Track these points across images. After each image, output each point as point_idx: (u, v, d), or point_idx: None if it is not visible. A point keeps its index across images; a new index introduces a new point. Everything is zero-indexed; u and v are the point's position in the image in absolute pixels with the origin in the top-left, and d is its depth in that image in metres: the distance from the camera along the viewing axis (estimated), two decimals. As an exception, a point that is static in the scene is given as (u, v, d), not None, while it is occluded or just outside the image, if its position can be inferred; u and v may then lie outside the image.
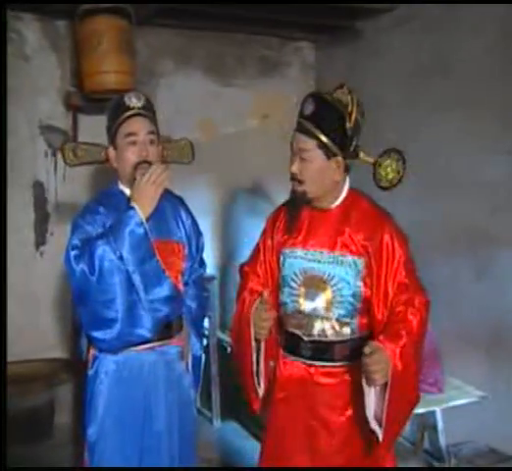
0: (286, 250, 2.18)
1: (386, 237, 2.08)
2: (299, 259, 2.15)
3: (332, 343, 2.10)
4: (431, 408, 3.09)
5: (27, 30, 3.88)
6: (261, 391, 2.22)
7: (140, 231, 2.17)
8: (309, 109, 2.03)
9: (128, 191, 2.32)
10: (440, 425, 3.17)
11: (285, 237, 2.20)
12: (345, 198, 2.16)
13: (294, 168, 2.07)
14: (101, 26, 3.59)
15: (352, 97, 2.02)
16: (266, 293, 2.10)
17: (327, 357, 2.11)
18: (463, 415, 3.14)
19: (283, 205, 2.30)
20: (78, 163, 2.45)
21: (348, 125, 2.02)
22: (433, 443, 3.26)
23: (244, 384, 2.26)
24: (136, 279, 2.19)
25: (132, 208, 2.18)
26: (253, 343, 2.15)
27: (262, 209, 4.22)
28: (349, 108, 2.02)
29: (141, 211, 2.18)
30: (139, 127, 2.26)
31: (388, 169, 2.10)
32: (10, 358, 3.54)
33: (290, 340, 2.19)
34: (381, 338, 1.97)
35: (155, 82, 4.18)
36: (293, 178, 2.10)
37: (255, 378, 2.20)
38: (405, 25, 3.68)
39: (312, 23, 4.11)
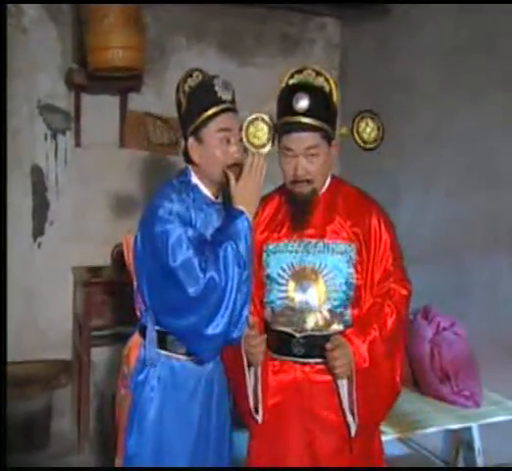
0: (270, 246, 2.20)
1: (374, 222, 2.16)
2: (286, 253, 2.17)
3: (326, 337, 2.09)
4: (466, 424, 2.95)
5: (26, 0, 3.79)
6: (260, 418, 2.18)
7: (251, 236, 2.13)
8: (304, 103, 2.05)
9: (204, 189, 2.23)
10: (477, 443, 3.02)
11: (266, 234, 2.22)
12: (330, 185, 2.23)
13: (301, 170, 2.09)
14: (107, -2, 3.51)
15: (326, 77, 2.11)
16: (251, 318, 2.13)
17: (321, 353, 2.09)
18: (503, 433, 3.01)
19: (260, 203, 2.28)
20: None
21: (334, 105, 2.13)
22: (468, 462, 3.12)
23: (240, 408, 2.26)
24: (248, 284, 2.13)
25: (242, 213, 2.12)
26: (247, 372, 2.15)
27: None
28: (327, 88, 2.11)
29: (248, 213, 2.13)
30: (232, 123, 2.17)
31: (368, 130, 2.20)
32: (3, 359, 3.46)
33: (279, 339, 2.17)
34: (347, 332, 2.09)
35: (165, 60, 4.10)
36: (299, 180, 2.11)
37: (253, 411, 2.17)
38: (442, -3, 3.55)
39: (338, -4, 4.02)
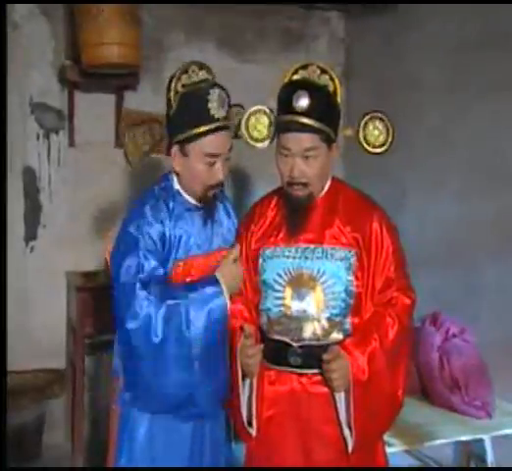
0: (267, 251, 2.17)
1: (376, 227, 2.13)
2: (283, 258, 2.14)
3: (324, 347, 2.07)
4: (477, 436, 2.89)
5: (16, -7, 3.77)
6: (254, 431, 2.15)
7: (220, 315, 2.10)
8: (304, 103, 2.01)
9: (185, 195, 2.20)
10: (490, 456, 2.96)
11: (264, 238, 2.20)
12: (330, 187, 2.19)
13: (297, 171, 2.06)
14: (102, -8, 3.49)
15: (331, 75, 2.09)
16: (247, 327, 2.09)
17: (319, 363, 2.06)
18: (517, 446, 2.97)
19: (257, 206, 2.30)
20: (142, 157, 2.34)
21: (338, 106, 2.10)
22: (480, 476, 3.08)
23: (235, 421, 2.23)
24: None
25: (219, 285, 2.11)
26: (241, 384, 2.12)
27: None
28: (332, 87, 2.09)
29: (226, 291, 2.11)
30: (222, 146, 2.12)
31: (376, 132, 2.17)
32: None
33: (276, 348, 2.14)
34: (346, 342, 2.06)
35: (163, 57, 4.08)
36: (295, 182, 2.08)
37: (246, 424, 2.15)
38: (450, -10, 3.51)
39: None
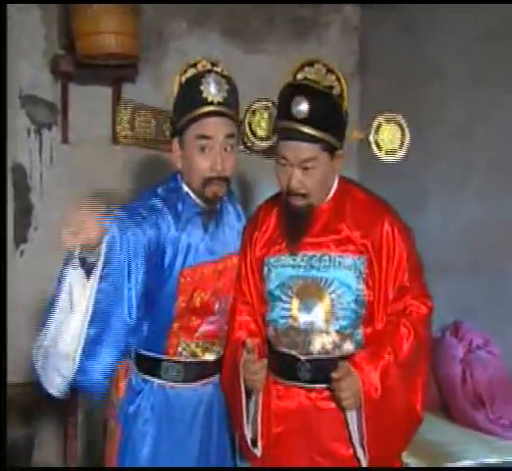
0: (271, 260, 2.17)
1: (386, 229, 2.10)
2: (288, 267, 2.14)
3: (334, 361, 2.06)
4: (506, 458, 2.83)
5: (5, -23, 3.74)
6: (259, 452, 2.15)
7: None
8: (303, 109, 1.97)
9: (195, 197, 2.17)
10: (519, 481, 2.93)
11: (268, 245, 2.19)
12: (336, 191, 2.17)
13: (295, 182, 2.03)
14: (98, -23, 3.48)
15: (338, 76, 2.04)
16: (249, 341, 2.08)
17: (329, 378, 2.04)
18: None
19: (260, 210, 2.30)
20: (132, 142, 2.28)
21: (344, 111, 2.06)
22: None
23: (240, 440, 2.24)
24: None
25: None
26: (244, 402, 2.11)
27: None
28: (338, 89, 2.04)
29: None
30: (216, 129, 2.09)
31: (390, 137, 2.14)
32: (-20, 381, 3.41)
33: (283, 362, 2.15)
34: (357, 358, 2.04)
35: (163, 47, 4.06)
36: (293, 193, 2.05)
37: (250, 444, 2.15)
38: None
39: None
